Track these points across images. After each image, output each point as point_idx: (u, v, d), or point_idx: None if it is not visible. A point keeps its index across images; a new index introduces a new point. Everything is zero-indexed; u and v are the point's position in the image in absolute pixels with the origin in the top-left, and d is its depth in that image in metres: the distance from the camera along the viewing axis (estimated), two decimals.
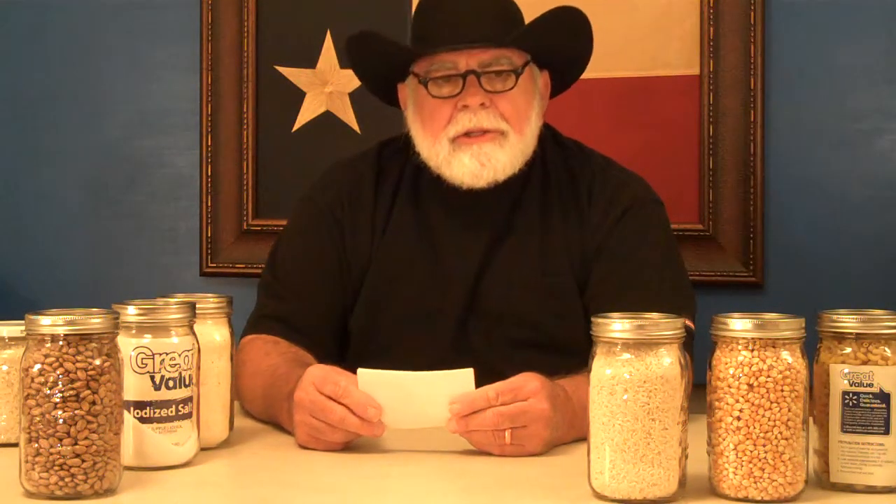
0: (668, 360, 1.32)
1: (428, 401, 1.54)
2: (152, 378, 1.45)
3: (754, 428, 1.31)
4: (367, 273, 1.94)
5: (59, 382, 1.31)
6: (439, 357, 1.77)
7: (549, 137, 2.00)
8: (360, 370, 1.56)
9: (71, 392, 1.31)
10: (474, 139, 1.85)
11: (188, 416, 1.49)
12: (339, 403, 1.55)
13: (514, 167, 1.88)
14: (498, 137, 1.86)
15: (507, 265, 1.91)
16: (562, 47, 1.93)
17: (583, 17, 1.91)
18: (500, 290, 1.90)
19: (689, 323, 1.68)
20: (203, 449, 1.53)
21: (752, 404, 1.31)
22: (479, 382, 1.55)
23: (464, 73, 1.84)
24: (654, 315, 1.36)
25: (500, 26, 1.87)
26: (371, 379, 1.55)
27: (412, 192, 1.96)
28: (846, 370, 1.37)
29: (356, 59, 2.00)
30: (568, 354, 1.77)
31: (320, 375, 1.58)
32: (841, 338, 1.38)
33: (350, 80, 2.58)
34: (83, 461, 1.31)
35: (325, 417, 1.56)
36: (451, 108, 1.86)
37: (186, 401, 1.48)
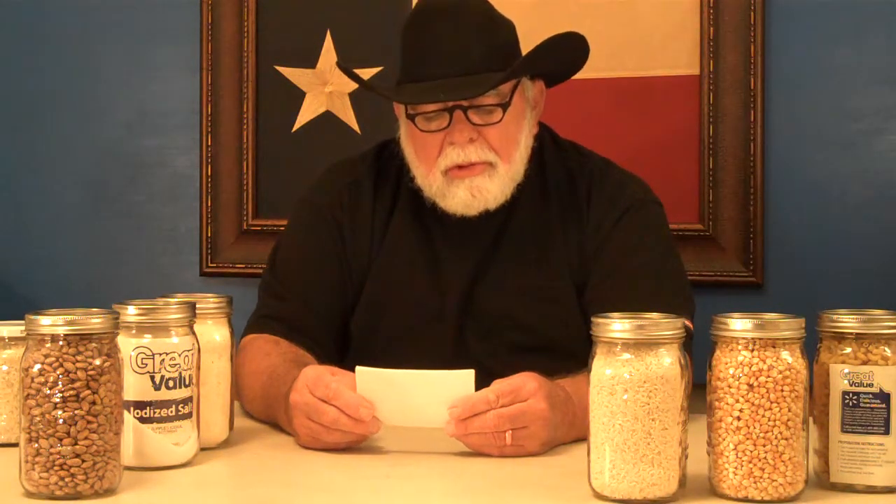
0: (668, 360, 1.32)
1: (426, 400, 1.54)
2: (152, 378, 1.45)
3: (754, 428, 1.31)
4: (367, 275, 1.95)
5: (59, 382, 1.31)
6: (439, 360, 1.77)
7: (547, 139, 2.00)
8: (357, 368, 1.56)
9: (71, 392, 1.31)
10: (465, 172, 1.86)
11: (188, 416, 1.49)
12: (332, 405, 1.55)
13: (504, 195, 1.88)
14: (487, 169, 1.86)
15: (504, 269, 1.91)
16: (555, 68, 1.94)
17: (578, 39, 1.91)
18: (497, 295, 1.90)
19: (688, 323, 1.69)
20: (203, 449, 1.53)
21: (752, 404, 1.31)
22: (479, 386, 1.54)
23: (451, 108, 1.83)
24: (654, 315, 1.36)
25: (488, 57, 1.84)
26: (369, 377, 1.55)
27: (411, 194, 1.96)
28: (846, 370, 1.37)
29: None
30: (567, 357, 1.77)
31: (313, 377, 1.58)
32: (841, 338, 1.38)
33: (350, 80, 2.58)
34: (83, 461, 1.31)
35: (318, 419, 1.56)
36: (441, 141, 1.86)
37: (186, 401, 1.48)
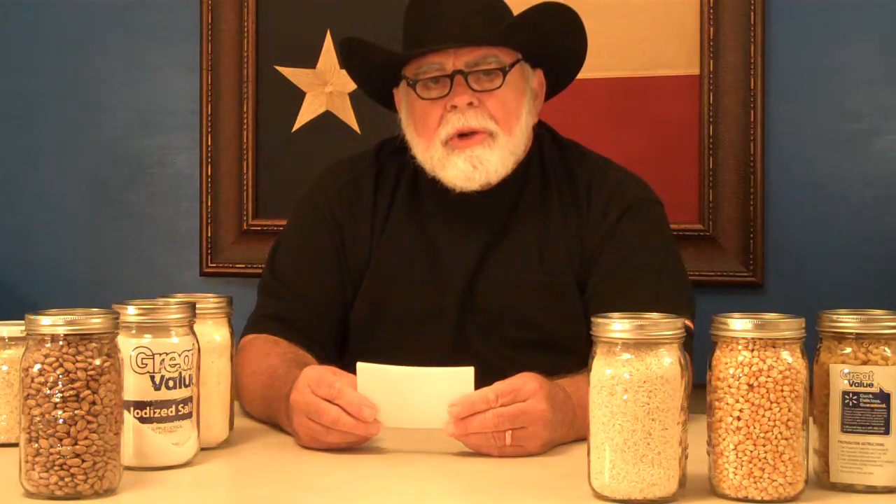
0: (668, 360, 1.32)
1: (426, 398, 1.54)
2: (152, 378, 1.45)
3: (754, 428, 1.31)
4: (366, 272, 1.95)
5: (59, 382, 1.31)
6: (439, 357, 1.77)
7: (547, 138, 2.01)
8: (359, 364, 1.56)
9: (71, 392, 1.31)
10: (465, 142, 1.86)
11: (188, 416, 1.49)
12: (334, 404, 1.55)
13: (505, 168, 1.88)
14: (487, 139, 1.86)
15: (505, 265, 1.91)
16: (551, 43, 1.93)
17: (569, 11, 1.91)
18: (498, 290, 1.90)
19: (688, 323, 1.68)
20: (203, 449, 1.53)
21: (752, 404, 1.31)
22: (480, 382, 1.54)
23: (451, 73, 1.85)
24: (654, 315, 1.36)
25: (488, 25, 1.87)
26: (370, 373, 1.55)
27: (411, 191, 1.96)
28: (846, 370, 1.37)
29: (348, 65, 2.01)
30: (568, 354, 1.77)
31: (315, 377, 1.58)
32: (841, 338, 1.38)
33: (350, 80, 2.58)
34: (83, 461, 1.31)
35: (319, 419, 1.56)
36: (441, 110, 1.86)
37: (186, 401, 1.48)
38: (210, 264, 2.75)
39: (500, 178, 1.88)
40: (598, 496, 1.34)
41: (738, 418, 1.32)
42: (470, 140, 1.86)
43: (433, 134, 1.87)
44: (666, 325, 1.33)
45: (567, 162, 1.98)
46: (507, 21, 1.91)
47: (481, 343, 1.89)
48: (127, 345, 1.43)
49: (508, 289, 1.90)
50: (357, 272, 1.95)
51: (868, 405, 1.36)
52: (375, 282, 1.94)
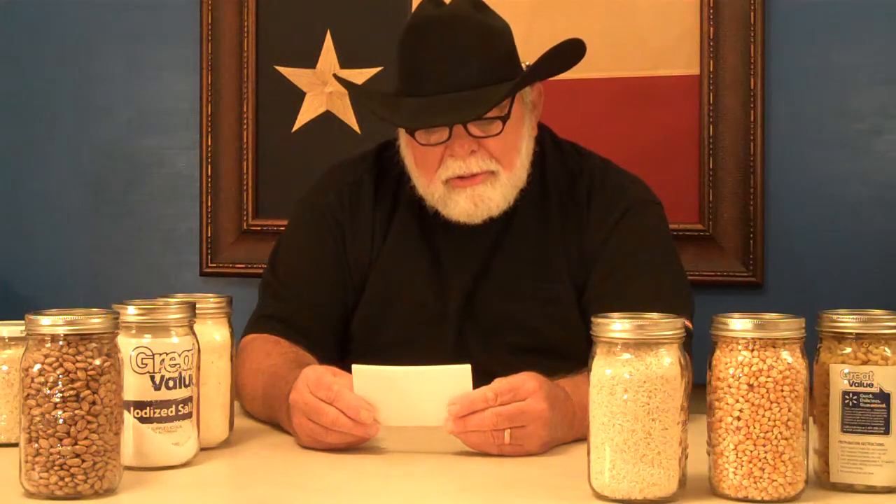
0: (668, 360, 1.32)
1: (424, 397, 1.54)
2: (152, 378, 1.45)
3: (754, 428, 1.31)
4: (367, 275, 1.95)
5: (59, 382, 1.31)
6: (439, 362, 1.77)
7: (547, 140, 2.00)
8: (354, 366, 1.56)
9: (71, 392, 1.31)
10: (467, 182, 1.85)
11: (188, 416, 1.49)
12: (334, 406, 1.55)
13: (507, 201, 1.88)
14: (489, 178, 1.86)
15: (506, 271, 1.91)
16: (552, 75, 1.95)
17: (574, 48, 1.90)
18: (498, 297, 1.90)
19: (688, 323, 1.68)
20: (203, 449, 1.53)
21: (752, 404, 1.31)
22: (479, 387, 1.54)
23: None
24: (654, 315, 1.36)
25: (486, 70, 1.82)
26: (366, 375, 1.55)
27: (412, 196, 1.95)
28: (846, 370, 1.37)
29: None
30: (566, 359, 1.76)
31: (314, 378, 1.58)
32: (841, 338, 1.38)
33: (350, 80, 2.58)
34: (83, 461, 1.31)
35: (318, 419, 1.56)
36: (441, 153, 1.85)
37: (186, 401, 1.48)
38: (210, 264, 2.75)
39: (501, 211, 1.88)
40: (598, 496, 1.34)
41: (738, 418, 1.32)
42: (471, 180, 1.85)
43: (433, 174, 1.87)
44: (666, 325, 1.33)
45: (567, 165, 1.98)
46: (511, 51, 1.88)
47: (481, 349, 1.88)
48: (127, 345, 1.43)
49: (509, 295, 1.90)
50: (358, 273, 1.95)
51: (868, 405, 1.36)
52: (377, 287, 1.94)
